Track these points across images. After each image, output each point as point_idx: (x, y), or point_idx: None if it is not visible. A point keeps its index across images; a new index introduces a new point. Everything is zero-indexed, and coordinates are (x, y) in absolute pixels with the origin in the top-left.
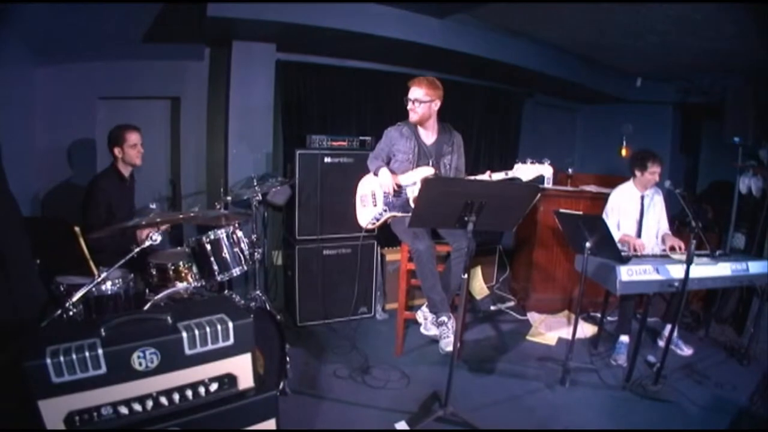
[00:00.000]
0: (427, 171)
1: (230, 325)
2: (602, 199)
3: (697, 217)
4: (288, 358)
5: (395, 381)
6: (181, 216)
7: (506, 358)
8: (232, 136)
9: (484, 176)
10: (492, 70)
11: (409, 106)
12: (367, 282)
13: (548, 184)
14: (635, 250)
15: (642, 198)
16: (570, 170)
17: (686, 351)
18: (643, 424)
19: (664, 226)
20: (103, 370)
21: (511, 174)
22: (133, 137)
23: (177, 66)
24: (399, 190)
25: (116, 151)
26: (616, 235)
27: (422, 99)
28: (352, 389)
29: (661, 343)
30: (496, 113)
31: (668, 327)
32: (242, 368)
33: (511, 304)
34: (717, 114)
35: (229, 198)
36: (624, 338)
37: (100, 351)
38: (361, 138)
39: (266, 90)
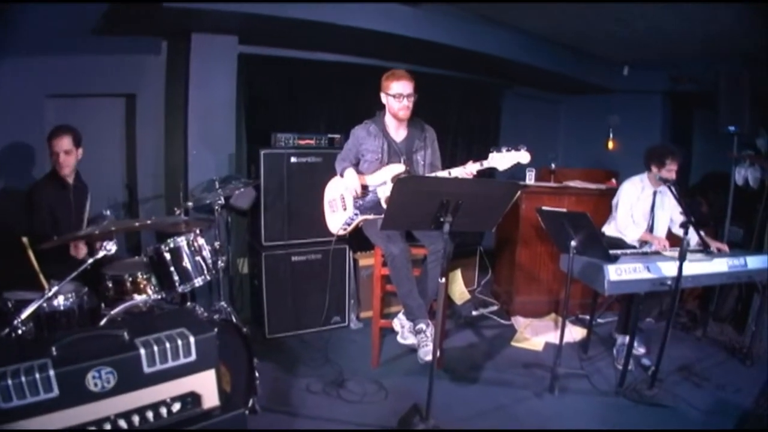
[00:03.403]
0: (398, 168)
1: (191, 339)
2: (587, 195)
3: (691, 212)
4: (257, 373)
5: (372, 394)
6: (137, 223)
7: (490, 366)
8: (192, 136)
9: (460, 168)
10: (469, 61)
11: (404, 102)
12: (340, 289)
13: (530, 181)
14: (663, 247)
15: (655, 194)
16: (553, 165)
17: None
18: None
19: (678, 222)
20: (56, 392)
21: (486, 164)
22: (57, 144)
23: (132, 61)
24: (367, 191)
25: None
26: (635, 231)
27: (413, 94)
28: (326, 404)
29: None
30: (473, 107)
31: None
32: (206, 386)
33: (494, 308)
34: (710, 102)
35: (189, 203)
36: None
37: (51, 372)
38: (329, 136)
39: (228, 86)
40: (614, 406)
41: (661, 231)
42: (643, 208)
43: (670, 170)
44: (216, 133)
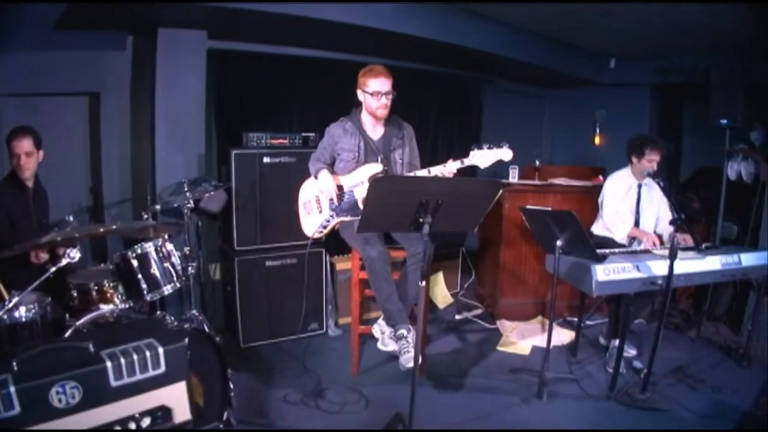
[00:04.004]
0: (375, 168)
1: (160, 350)
2: (573, 193)
3: (682, 208)
4: (231, 385)
5: (353, 404)
6: (102, 229)
7: (475, 372)
8: (160, 136)
9: (439, 167)
10: (448, 55)
11: (382, 101)
12: (317, 295)
13: (513, 179)
14: (653, 245)
15: (639, 187)
16: (537, 162)
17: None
18: None
19: (665, 219)
20: (17, 410)
21: (467, 162)
22: (17, 146)
23: (95, 57)
24: (343, 193)
25: None
26: (622, 229)
27: (392, 91)
28: (305, 415)
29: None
30: (454, 102)
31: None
32: (177, 399)
33: (479, 311)
34: (700, 95)
35: (157, 206)
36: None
37: (11, 388)
38: (303, 134)
39: (197, 83)
40: (605, 410)
41: (647, 227)
42: (629, 203)
43: (651, 160)
44: (185, 133)
